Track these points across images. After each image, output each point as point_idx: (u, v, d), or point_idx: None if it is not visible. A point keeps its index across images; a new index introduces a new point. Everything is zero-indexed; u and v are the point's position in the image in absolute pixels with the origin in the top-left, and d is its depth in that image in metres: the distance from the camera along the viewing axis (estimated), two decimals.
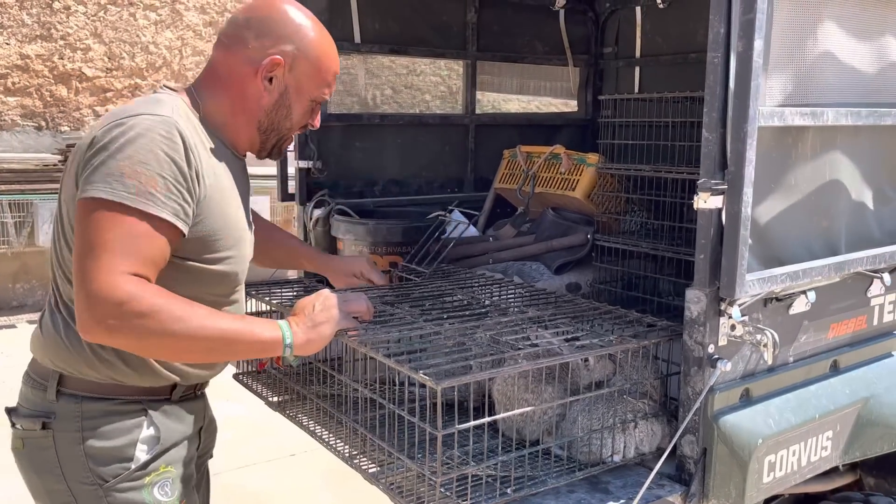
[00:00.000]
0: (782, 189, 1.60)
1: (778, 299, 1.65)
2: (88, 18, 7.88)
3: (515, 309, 1.89)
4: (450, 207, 3.01)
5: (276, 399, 1.93)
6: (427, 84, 3.31)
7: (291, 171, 3.00)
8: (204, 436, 1.72)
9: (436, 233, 2.85)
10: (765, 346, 1.49)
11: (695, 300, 1.55)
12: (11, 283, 7.14)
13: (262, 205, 5.97)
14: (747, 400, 1.63)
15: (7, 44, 7.52)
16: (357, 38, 3.04)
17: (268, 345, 1.49)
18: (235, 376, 2.09)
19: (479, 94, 3.46)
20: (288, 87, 1.60)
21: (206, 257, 1.51)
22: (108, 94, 8.08)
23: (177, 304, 1.37)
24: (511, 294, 2.09)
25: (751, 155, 1.43)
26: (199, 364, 1.59)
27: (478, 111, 3.43)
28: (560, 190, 3.01)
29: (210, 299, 1.51)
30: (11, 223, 6.79)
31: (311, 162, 2.94)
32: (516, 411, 1.57)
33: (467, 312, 1.86)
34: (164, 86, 1.58)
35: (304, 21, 1.60)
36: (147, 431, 1.53)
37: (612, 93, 3.45)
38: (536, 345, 1.57)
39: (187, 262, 1.49)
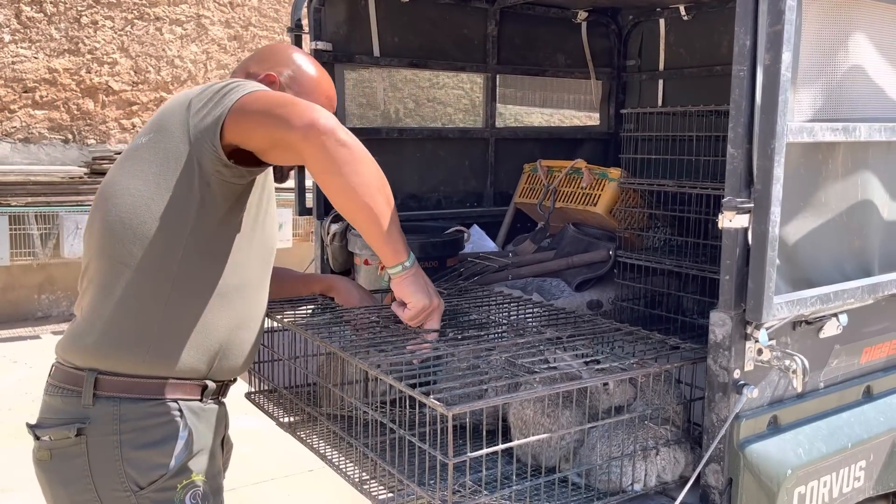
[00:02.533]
0: (812, 207, 1.53)
1: (808, 322, 1.58)
2: (115, 33, 7.97)
3: (533, 329, 1.84)
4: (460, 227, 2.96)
5: (287, 420, 1.89)
6: (450, 97, 3.27)
7: (309, 183, 2.97)
8: (225, 448, 1.72)
9: (454, 249, 2.81)
10: (794, 372, 1.42)
11: (720, 323, 1.48)
12: (37, 294, 7.20)
13: (285, 216, 5.95)
14: (775, 428, 1.56)
15: (35, 58, 7.62)
16: (376, 52, 3.01)
17: (398, 246, 1.61)
18: (248, 395, 2.05)
19: (500, 108, 3.41)
20: None
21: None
22: (134, 108, 8.16)
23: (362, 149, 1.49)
24: (529, 313, 2.03)
25: (778, 172, 1.36)
26: (234, 356, 1.61)
27: (499, 125, 3.39)
28: (581, 205, 2.96)
29: (251, 267, 1.61)
30: (37, 235, 6.87)
31: None
32: (532, 438, 1.51)
33: (483, 332, 1.81)
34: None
35: (303, 57, 1.75)
36: (183, 434, 1.51)
37: (636, 106, 3.38)
38: (555, 367, 1.51)
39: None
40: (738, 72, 1.39)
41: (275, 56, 1.73)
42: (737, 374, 1.48)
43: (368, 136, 3.05)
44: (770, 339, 1.48)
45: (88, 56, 7.88)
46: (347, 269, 2.90)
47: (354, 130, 3.08)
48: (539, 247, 3.05)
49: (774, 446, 1.53)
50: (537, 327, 1.89)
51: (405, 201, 3.14)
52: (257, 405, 2.01)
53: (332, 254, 2.93)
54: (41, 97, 7.70)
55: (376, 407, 1.62)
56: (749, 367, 1.49)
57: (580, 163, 3.02)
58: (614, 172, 2.88)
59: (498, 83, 3.34)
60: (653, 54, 3.51)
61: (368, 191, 1.49)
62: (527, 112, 3.66)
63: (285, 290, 1.97)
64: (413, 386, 1.37)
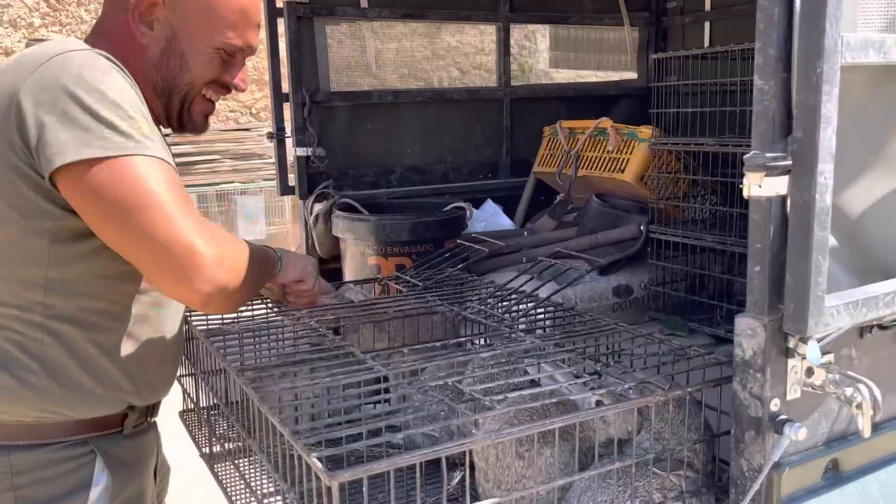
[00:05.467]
0: (884, 164, 1.06)
1: (882, 327, 1.11)
2: None
3: (521, 331, 1.42)
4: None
5: (211, 448, 1.52)
6: (455, 52, 2.83)
7: (291, 157, 2.60)
8: (158, 477, 1.41)
9: (453, 229, 2.40)
10: (858, 406, 0.97)
11: (748, 333, 1.04)
12: None
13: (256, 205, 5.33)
14: (835, 477, 1.11)
15: None
16: (363, 2, 2.60)
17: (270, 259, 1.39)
18: (181, 414, 1.70)
19: (515, 63, 2.96)
20: (175, 30, 1.25)
21: None
22: None
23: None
24: (520, 309, 1.60)
25: (829, 111, 0.91)
26: (159, 377, 1.30)
27: (515, 83, 2.94)
28: (607, 172, 2.52)
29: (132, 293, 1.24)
30: None
31: (310, 149, 2.53)
32: (491, 501, 1.09)
33: (451, 341, 1.41)
34: (33, 39, 1.20)
35: None
36: (98, 480, 1.21)
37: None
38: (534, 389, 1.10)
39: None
40: None
41: None
42: (775, 405, 1.03)
43: (357, 102, 2.66)
44: (824, 355, 1.02)
45: None
46: (337, 256, 2.52)
47: (340, 95, 2.72)
48: (559, 223, 2.64)
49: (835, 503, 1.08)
50: (529, 326, 1.48)
51: (405, 175, 2.75)
52: (187, 428, 1.66)
53: (318, 238, 2.57)
54: None
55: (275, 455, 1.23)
56: (793, 394, 1.04)
57: (605, 122, 2.57)
58: (645, 132, 2.43)
59: (512, 34, 2.89)
60: None
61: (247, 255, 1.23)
62: (546, 68, 3.18)
63: None
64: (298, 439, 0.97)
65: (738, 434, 1.08)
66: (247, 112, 8.39)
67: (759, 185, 0.97)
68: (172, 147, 1.28)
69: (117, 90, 1.11)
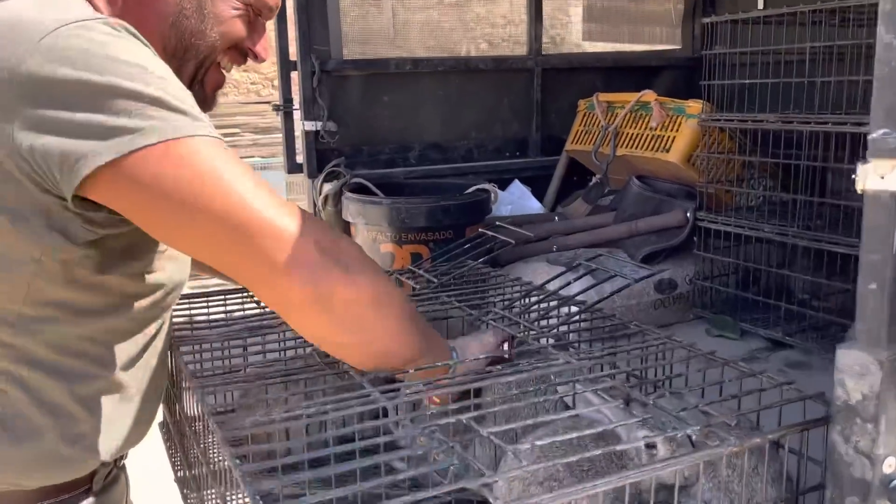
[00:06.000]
0: None
1: None
2: None
3: (553, 345, 1.19)
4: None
5: (181, 473, 1.30)
6: (480, 18, 2.58)
7: (298, 131, 2.38)
8: None
9: (476, 214, 2.15)
10: None
11: (856, 371, 0.79)
12: None
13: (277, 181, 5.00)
14: None
15: None
16: None
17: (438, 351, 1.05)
18: (160, 426, 1.48)
19: (546, 36, 2.70)
20: None
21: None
22: None
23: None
24: (553, 314, 1.36)
25: None
26: (141, 426, 1.06)
27: (546, 51, 2.68)
28: (650, 151, 2.27)
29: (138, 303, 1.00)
30: None
31: (319, 123, 2.30)
32: None
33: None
34: None
35: None
36: None
37: None
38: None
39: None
40: None
41: None
42: (889, 466, 0.79)
43: (372, 71, 2.41)
44: None
45: None
46: None
47: (354, 64, 2.48)
48: (594, 207, 2.39)
49: None
50: (561, 336, 1.24)
51: (425, 153, 2.51)
52: (165, 443, 1.44)
53: (328, 220, 2.33)
54: None
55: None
56: None
57: (649, 95, 2.31)
58: (694, 106, 2.18)
59: (545, 5, 2.64)
60: None
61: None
62: (580, 41, 2.92)
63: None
64: None
65: (835, 498, 0.83)
66: (269, 84, 8.17)
67: (882, 177, 0.72)
68: None
69: (162, 70, 0.88)
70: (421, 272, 1.59)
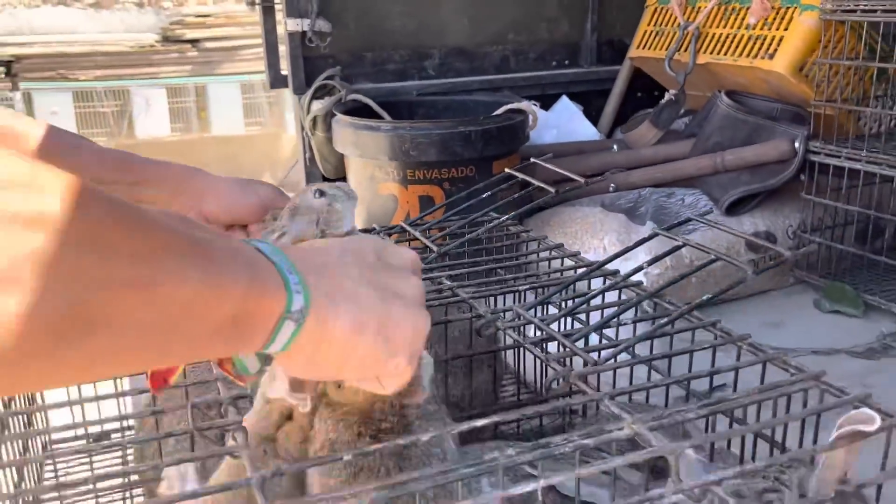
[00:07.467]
0: None
1: None
2: None
3: (610, 395, 0.69)
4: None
5: None
6: None
7: (281, 31, 1.87)
8: None
9: (508, 142, 1.63)
10: None
11: None
12: None
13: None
14: None
15: None
16: None
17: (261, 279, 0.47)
18: None
19: None
20: None
21: None
22: None
23: None
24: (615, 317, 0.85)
25: None
26: None
27: None
28: (745, 58, 1.75)
29: None
30: (110, 112, 6.32)
31: (307, 21, 1.77)
32: None
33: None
34: None
35: None
36: None
37: None
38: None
39: None
40: None
41: None
42: None
43: None
44: None
45: None
46: (344, 177, 1.80)
47: None
48: (666, 133, 1.88)
49: None
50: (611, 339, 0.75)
51: (447, 61, 2.01)
52: None
53: (319, 150, 1.85)
54: None
55: None
56: None
57: None
58: None
59: None
60: None
61: None
62: None
63: None
64: None
65: None
66: None
67: None
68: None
69: None
70: (417, 234, 1.08)
